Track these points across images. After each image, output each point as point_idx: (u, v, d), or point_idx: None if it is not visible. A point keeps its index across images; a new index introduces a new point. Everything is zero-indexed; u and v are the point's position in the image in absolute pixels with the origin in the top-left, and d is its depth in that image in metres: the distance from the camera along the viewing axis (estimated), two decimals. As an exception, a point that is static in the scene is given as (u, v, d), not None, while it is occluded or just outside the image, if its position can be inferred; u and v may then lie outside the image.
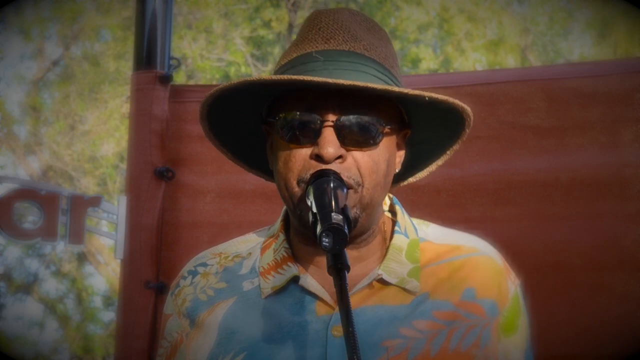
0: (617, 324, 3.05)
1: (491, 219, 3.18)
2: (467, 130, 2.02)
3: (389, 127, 1.96)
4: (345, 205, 1.87)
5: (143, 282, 3.41)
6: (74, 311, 15.38)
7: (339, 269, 1.79)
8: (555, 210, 3.14)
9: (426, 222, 2.11)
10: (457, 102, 1.97)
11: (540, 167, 3.17)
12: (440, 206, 3.19)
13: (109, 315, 14.91)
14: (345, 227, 1.82)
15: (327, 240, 1.79)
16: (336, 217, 1.82)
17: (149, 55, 3.54)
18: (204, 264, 2.10)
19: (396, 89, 1.93)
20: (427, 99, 1.94)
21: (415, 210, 2.17)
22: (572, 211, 3.13)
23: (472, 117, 2.00)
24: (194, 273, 2.09)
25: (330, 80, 1.89)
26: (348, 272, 1.79)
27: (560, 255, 3.12)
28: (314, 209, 1.86)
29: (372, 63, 1.96)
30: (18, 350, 14.57)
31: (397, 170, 2.03)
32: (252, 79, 1.95)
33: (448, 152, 2.08)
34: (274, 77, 1.93)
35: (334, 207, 1.84)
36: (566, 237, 3.12)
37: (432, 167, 2.11)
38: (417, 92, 1.93)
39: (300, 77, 1.90)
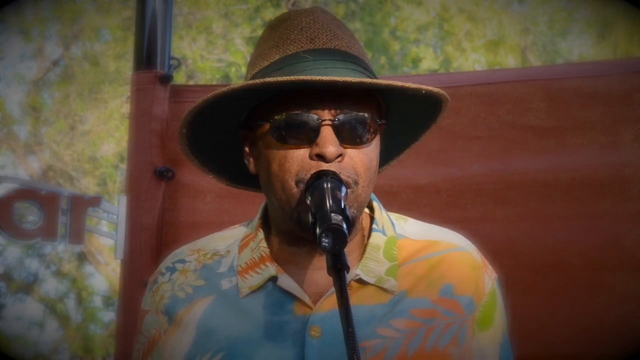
0: (617, 324, 3.05)
1: (491, 219, 3.18)
2: (435, 123, 2.05)
3: (381, 123, 1.97)
4: (345, 205, 1.86)
5: (143, 282, 3.39)
6: (74, 311, 15.37)
7: (338, 269, 1.78)
8: (555, 210, 3.14)
9: (404, 217, 2.09)
10: (443, 94, 1.98)
11: (540, 167, 3.17)
12: (440, 206, 3.19)
13: (109, 315, 14.90)
14: (345, 227, 1.81)
15: (326, 240, 1.79)
16: (335, 217, 1.81)
17: (149, 55, 3.54)
18: (182, 261, 2.09)
19: (399, 83, 1.94)
20: (423, 92, 1.95)
21: (415, 210, 2.17)
22: (572, 211, 3.13)
23: (442, 113, 2.02)
24: (172, 270, 2.09)
25: (338, 78, 1.88)
26: (348, 272, 1.79)
27: (560, 255, 3.12)
28: (314, 210, 1.85)
29: (357, 60, 1.97)
30: (18, 350, 14.55)
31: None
32: (255, 82, 1.91)
33: (412, 146, 2.09)
34: (280, 78, 1.90)
35: (333, 207, 1.83)
36: (566, 237, 3.12)
37: (392, 163, 2.12)
38: (415, 85, 1.95)
39: (309, 77, 1.88)
